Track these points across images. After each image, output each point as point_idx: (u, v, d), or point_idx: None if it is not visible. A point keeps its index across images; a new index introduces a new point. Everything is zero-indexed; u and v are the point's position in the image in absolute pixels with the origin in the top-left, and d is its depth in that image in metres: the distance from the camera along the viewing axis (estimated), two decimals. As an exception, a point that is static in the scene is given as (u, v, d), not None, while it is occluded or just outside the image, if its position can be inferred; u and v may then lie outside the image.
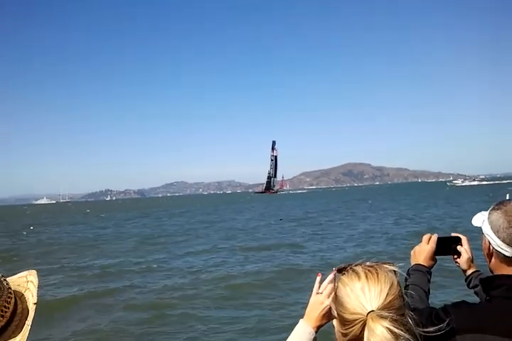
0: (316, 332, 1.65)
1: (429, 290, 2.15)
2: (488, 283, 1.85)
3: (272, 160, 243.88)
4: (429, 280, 2.17)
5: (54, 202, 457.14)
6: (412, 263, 2.24)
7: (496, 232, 1.82)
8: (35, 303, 1.65)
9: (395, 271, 1.45)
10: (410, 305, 1.88)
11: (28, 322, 1.61)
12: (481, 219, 1.95)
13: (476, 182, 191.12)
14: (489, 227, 1.85)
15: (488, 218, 1.87)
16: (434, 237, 2.25)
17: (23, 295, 1.68)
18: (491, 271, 1.94)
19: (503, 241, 1.80)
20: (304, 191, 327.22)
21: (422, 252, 2.23)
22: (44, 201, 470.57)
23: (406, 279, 2.13)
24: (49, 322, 11.68)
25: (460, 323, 1.72)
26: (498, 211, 1.84)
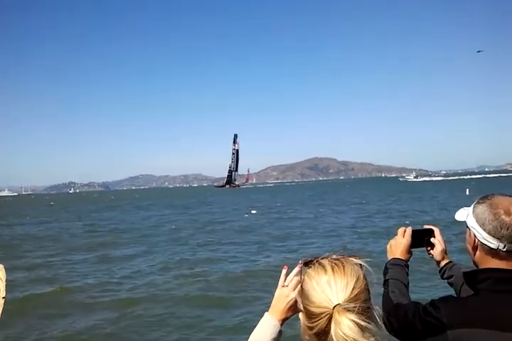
0: (282, 325, 1.63)
1: (408, 283, 2.13)
2: (474, 277, 1.85)
3: (233, 153, 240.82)
4: (407, 274, 2.16)
5: (16, 194, 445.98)
6: (389, 257, 2.22)
7: (482, 225, 1.83)
8: (3, 297, 1.64)
9: (361, 264, 1.46)
10: (393, 301, 1.93)
11: None
12: (464, 214, 1.97)
13: (427, 178, 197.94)
14: (474, 220, 1.86)
15: (473, 211, 1.88)
16: (409, 230, 2.24)
17: None
18: (476, 265, 1.93)
19: (489, 233, 1.81)
20: (271, 185, 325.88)
21: (398, 246, 2.22)
22: (5, 193, 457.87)
23: (384, 274, 2.13)
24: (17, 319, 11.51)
25: (451, 318, 1.71)
26: (483, 204, 1.85)
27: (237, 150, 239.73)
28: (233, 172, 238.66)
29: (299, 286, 1.53)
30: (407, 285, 2.10)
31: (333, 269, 1.39)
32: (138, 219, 44.01)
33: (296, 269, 1.60)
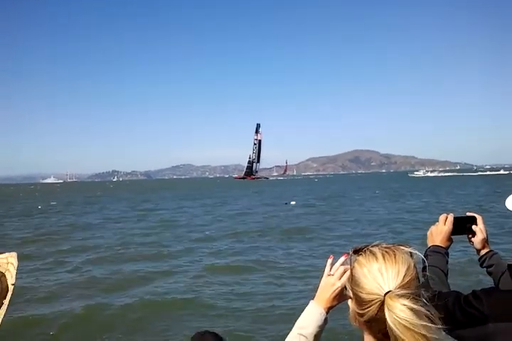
0: (327, 314, 1.68)
1: (447, 271, 2.11)
2: None
3: (254, 144, 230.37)
4: (447, 262, 2.14)
5: (61, 181, 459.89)
6: (429, 245, 2.20)
7: None
8: (13, 284, 1.70)
9: (411, 252, 1.44)
10: (432, 288, 1.85)
11: (6, 301, 1.66)
12: None
13: (436, 173, 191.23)
14: None
15: None
16: (451, 217, 2.22)
17: (3, 275, 1.73)
18: None
19: None
20: (301, 177, 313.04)
21: (439, 233, 2.20)
22: (51, 180, 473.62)
23: (424, 261, 2.03)
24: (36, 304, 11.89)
25: (493, 310, 1.68)
26: None
27: (260, 141, 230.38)
28: (254, 164, 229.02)
29: (348, 273, 1.54)
30: (446, 274, 2.09)
31: (384, 257, 1.40)
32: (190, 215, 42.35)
33: (342, 259, 1.65)
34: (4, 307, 1.64)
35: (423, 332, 1.26)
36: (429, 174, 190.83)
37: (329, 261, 1.71)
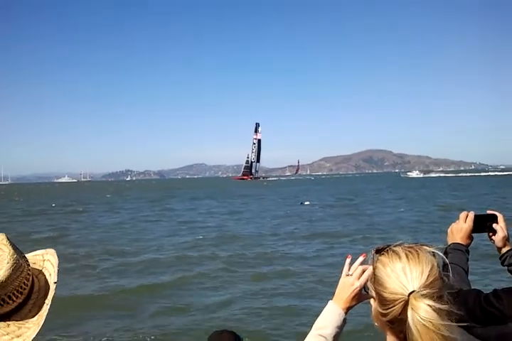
0: (346, 314, 1.65)
1: (468, 269, 2.08)
2: None
3: (254, 143, 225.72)
4: (467, 259, 2.11)
5: (75, 180, 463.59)
6: (449, 242, 2.18)
7: None
8: (55, 282, 1.62)
9: (434, 252, 1.43)
10: (453, 286, 1.77)
11: (48, 301, 1.57)
12: None
13: (433, 174, 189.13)
14: None
15: None
16: (471, 215, 2.18)
17: (40, 273, 1.64)
18: None
19: None
20: (310, 178, 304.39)
21: (459, 230, 2.17)
22: (65, 179, 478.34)
23: (444, 259, 1.96)
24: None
25: None
26: None
27: (259, 140, 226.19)
28: (254, 163, 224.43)
29: (369, 273, 1.57)
30: (467, 271, 2.08)
31: (407, 257, 1.39)
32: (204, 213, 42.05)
33: (360, 258, 1.65)
34: (46, 307, 1.55)
35: (444, 333, 1.25)
36: (424, 175, 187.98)
37: (347, 260, 1.69)
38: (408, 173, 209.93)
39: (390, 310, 1.36)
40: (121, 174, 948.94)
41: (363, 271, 1.62)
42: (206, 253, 19.08)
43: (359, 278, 1.63)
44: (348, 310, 1.66)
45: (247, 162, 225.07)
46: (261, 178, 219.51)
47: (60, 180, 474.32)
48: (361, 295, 1.64)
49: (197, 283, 14.13)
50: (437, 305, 1.28)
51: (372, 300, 1.50)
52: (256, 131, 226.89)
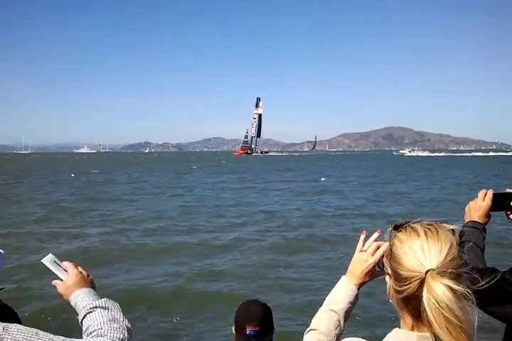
0: (358, 289, 1.66)
1: (484, 248, 2.07)
2: None
3: (254, 118, 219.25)
4: (484, 238, 2.10)
5: (94, 151, 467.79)
6: (467, 220, 2.18)
7: None
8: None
9: (453, 230, 1.39)
10: (468, 264, 1.73)
11: None
12: None
13: (425, 154, 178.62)
14: None
15: None
16: (490, 193, 2.18)
17: None
18: None
19: None
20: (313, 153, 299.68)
21: (477, 209, 2.17)
22: (85, 150, 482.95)
23: (461, 236, 1.94)
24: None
25: None
26: None
27: (260, 115, 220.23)
28: (254, 138, 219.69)
29: (384, 249, 1.56)
30: (483, 250, 2.08)
31: (426, 234, 1.35)
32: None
33: (375, 235, 1.67)
34: None
35: (458, 313, 1.22)
36: (417, 153, 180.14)
37: (362, 236, 1.69)
38: (400, 151, 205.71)
39: (405, 288, 1.32)
40: (139, 146, 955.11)
41: (378, 247, 1.63)
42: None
43: (373, 255, 1.63)
44: (360, 286, 1.67)
45: (246, 137, 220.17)
46: (261, 153, 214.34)
47: (79, 151, 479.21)
48: (375, 272, 1.65)
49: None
50: (454, 286, 1.24)
51: (387, 277, 1.44)
52: (257, 105, 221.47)
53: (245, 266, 12.30)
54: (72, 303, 1.72)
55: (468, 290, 1.26)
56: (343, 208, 23.43)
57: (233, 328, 2.60)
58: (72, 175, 54.73)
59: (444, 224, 1.41)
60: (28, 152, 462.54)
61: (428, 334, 1.28)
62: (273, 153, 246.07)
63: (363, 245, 1.67)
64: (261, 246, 14.52)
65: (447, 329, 1.22)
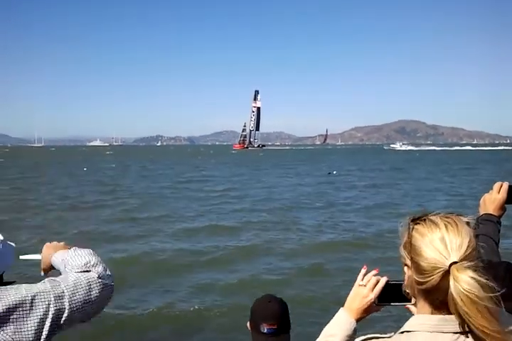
0: (356, 324, 1.64)
1: (499, 241, 2.07)
2: None
3: (253, 111, 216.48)
4: (499, 231, 2.10)
5: (107, 144, 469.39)
6: (481, 212, 2.17)
7: None
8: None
9: (468, 222, 1.42)
10: (483, 257, 1.77)
11: None
12: None
13: (414, 147, 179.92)
14: None
15: None
16: (506, 185, 2.17)
17: None
18: None
19: None
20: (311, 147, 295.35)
21: (492, 201, 2.16)
22: (97, 143, 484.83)
23: (475, 228, 1.97)
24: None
25: None
26: None
27: (258, 108, 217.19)
28: (252, 132, 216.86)
29: (382, 285, 1.61)
30: (497, 243, 2.07)
31: (446, 227, 1.38)
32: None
33: (374, 271, 1.67)
34: None
35: (487, 304, 1.27)
36: (407, 147, 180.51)
37: (362, 271, 1.68)
38: (391, 145, 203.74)
39: (427, 279, 1.36)
40: (151, 139, 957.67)
41: (377, 282, 1.62)
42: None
43: (373, 290, 1.62)
44: (358, 320, 1.64)
45: (243, 130, 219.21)
46: (258, 147, 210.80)
47: (92, 144, 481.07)
48: (372, 307, 1.64)
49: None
50: (479, 278, 1.29)
51: (406, 268, 1.47)
52: (255, 98, 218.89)
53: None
54: (55, 265, 1.80)
55: (490, 282, 1.31)
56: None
57: (248, 323, 2.57)
58: (113, 165, 54.91)
59: (461, 217, 1.43)
60: (41, 145, 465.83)
61: (446, 316, 1.36)
62: (274, 147, 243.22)
63: (362, 279, 1.66)
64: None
65: (479, 314, 1.27)
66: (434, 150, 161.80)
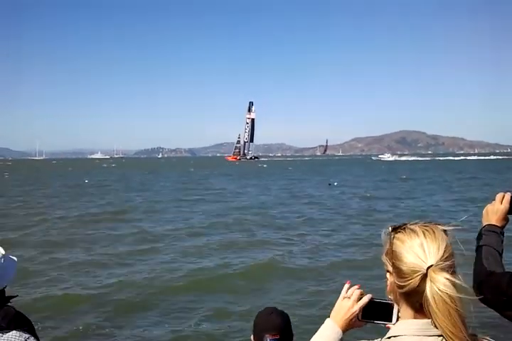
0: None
1: (502, 251, 2.06)
2: None
3: (247, 123, 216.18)
4: (502, 241, 2.09)
5: (108, 157, 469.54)
6: (484, 223, 2.17)
7: None
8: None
9: (445, 230, 1.51)
10: (486, 268, 1.86)
11: None
12: None
13: (403, 158, 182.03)
14: None
15: None
16: (508, 196, 2.16)
17: None
18: None
19: None
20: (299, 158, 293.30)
21: (495, 212, 2.15)
22: (98, 156, 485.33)
23: (478, 239, 2.09)
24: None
25: None
26: None
27: (253, 120, 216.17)
28: (247, 144, 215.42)
29: (367, 299, 1.66)
30: (501, 253, 2.05)
31: (424, 234, 1.48)
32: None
33: (357, 286, 1.71)
34: None
35: (458, 305, 1.36)
36: (396, 158, 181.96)
37: (346, 285, 1.72)
38: (380, 156, 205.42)
39: (408, 283, 1.44)
40: (152, 151, 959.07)
41: (361, 294, 1.68)
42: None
43: (357, 302, 1.67)
44: (343, 332, 1.68)
45: (238, 142, 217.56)
46: (251, 159, 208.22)
47: (93, 156, 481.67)
48: (356, 321, 1.68)
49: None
50: (453, 279, 1.38)
51: (388, 275, 1.56)
52: (249, 110, 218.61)
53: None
54: None
55: (465, 284, 1.39)
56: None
57: (252, 337, 2.64)
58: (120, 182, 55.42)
59: (438, 225, 1.52)
60: (42, 158, 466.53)
61: (428, 320, 1.43)
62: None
63: (347, 292, 1.71)
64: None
65: (448, 316, 1.36)
66: (417, 160, 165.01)
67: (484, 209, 2.20)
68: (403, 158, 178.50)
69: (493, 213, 2.15)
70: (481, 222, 2.19)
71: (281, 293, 10.83)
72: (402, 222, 1.57)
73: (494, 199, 2.19)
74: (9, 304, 1.96)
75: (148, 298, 10.67)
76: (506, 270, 1.96)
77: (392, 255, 1.53)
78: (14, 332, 1.50)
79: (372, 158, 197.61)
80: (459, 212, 23.05)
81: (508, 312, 1.70)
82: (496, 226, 2.12)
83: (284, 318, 2.64)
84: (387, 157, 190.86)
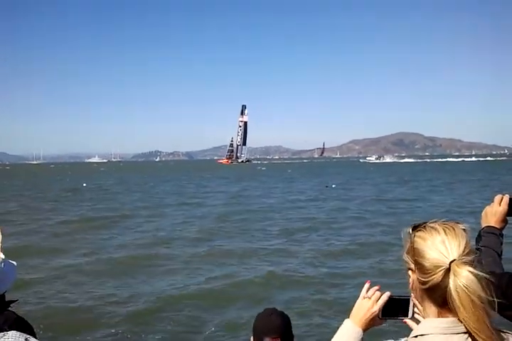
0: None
1: (501, 253, 2.08)
2: None
3: (240, 126, 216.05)
4: (501, 243, 2.11)
5: (105, 161, 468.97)
6: (483, 225, 2.18)
7: None
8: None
9: (464, 229, 1.54)
10: (486, 269, 1.81)
11: None
12: None
13: (390, 160, 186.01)
14: None
15: None
16: (506, 198, 2.18)
17: None
18: None
19: None
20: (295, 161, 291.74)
21: (494, 213, 2.17)
22: (96, 159, 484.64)
23: (477, 241, 2.11)
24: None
25: None
26: None
27: (245, 123, 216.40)
28: (240, 147, 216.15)
29: (386, 299, 1.70)
30: (500, 255, 2.08)
31: (445, 231, 1.51)
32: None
33: (376, 287, 1.74)
34: None
35: (481, 295, 1.38)
36: (383, 160, 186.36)
37: (366, 285, 1.76)
38: (367, 158, 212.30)
39: (431, 278, 1.47)
40: (150, 155, 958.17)
41: (381, 295, 1.70)
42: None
43: (377, 302, 1.70)
44: (363, 331, 1.70)
45: (231, 145, 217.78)
46: (243, 162, 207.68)
47: (90, 160, 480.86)
48: (376, 320, 1.71)
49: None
50: (476, 272, 1.40)
51: (410, 272, 1.57)
52: (242, 113, 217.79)
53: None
54: None
55: (488, 275, 1.42)
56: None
57: (251, 338, 2.60)
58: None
59: (458, 224, 1.56)
60: (39, 162, 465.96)
61: (454, 318, 1.44)
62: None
63: (367, 292, 1.73)
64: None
65: (472, 311, 1.37)
66: (407, 162, 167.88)
67: (483, 211, 2.22)
68: (403, 160, 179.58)
69: (492, 215, 2.17)
70: (480, 223, 2.21)
71: (290, 302, 10.64)
72: (423, 221, 1.60)
73: (493, 201, 2.21)
74: (9, 309, 1.94)
75: (156, 307, 10.42)
76: (505, 271, 1.98)
77: (414, 252, 1.55)
78: (14, 332, 1.50)
79: (361, 160, 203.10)
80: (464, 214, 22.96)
81: (508, 312, 1.71)
82: (495, 227, 2.14)
83: (285, 319, 2.59)
84: (374, 159, 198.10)
